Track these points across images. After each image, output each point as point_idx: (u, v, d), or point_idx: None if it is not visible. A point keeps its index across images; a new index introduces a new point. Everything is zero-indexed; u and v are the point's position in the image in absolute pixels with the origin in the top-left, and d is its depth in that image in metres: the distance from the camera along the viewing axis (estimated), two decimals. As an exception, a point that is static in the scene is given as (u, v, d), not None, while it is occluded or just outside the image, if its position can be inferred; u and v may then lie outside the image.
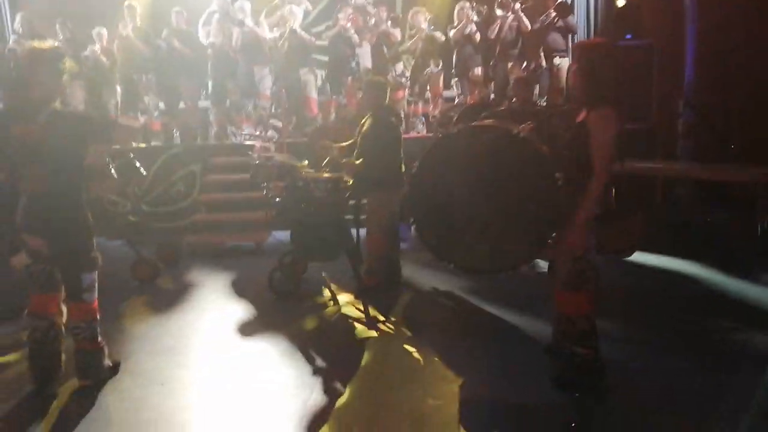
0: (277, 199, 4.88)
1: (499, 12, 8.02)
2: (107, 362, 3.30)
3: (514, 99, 5.99)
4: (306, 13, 8.68)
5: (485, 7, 8.13)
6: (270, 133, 7.80)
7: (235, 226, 6.75)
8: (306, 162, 5.22)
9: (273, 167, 4.87)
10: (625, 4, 7.23)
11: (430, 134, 7.54)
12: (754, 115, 6.51)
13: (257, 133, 7.50)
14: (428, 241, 3.04)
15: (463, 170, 2.78)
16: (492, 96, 8.05)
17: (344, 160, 4.70)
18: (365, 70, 8.69)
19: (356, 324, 4.25)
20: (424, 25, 8.15)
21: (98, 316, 3.21)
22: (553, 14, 7.57)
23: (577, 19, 7.85)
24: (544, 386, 3.09)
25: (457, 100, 8.27)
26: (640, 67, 6.94)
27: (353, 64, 8.48)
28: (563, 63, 7.72)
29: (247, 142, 7.47)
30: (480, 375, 3.33)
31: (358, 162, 4.62)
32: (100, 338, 3.23)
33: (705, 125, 6.69)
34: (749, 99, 6.58)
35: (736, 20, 7.47)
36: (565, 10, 7.54)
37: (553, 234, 2.78)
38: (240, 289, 5.10)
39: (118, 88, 8.09)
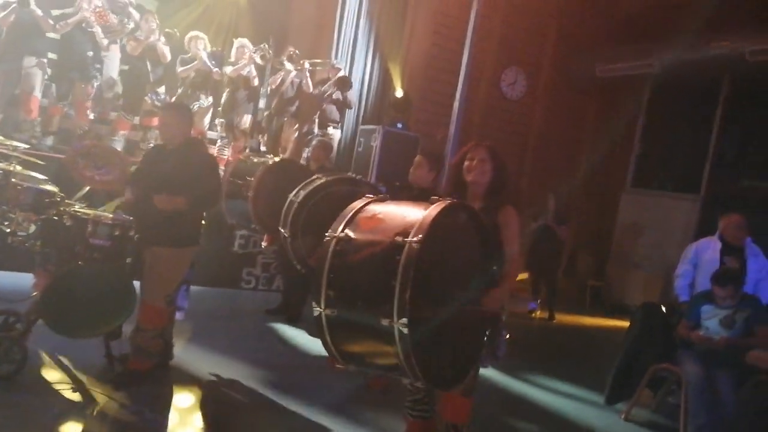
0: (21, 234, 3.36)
1: (288, 65, 7.68)
2: None
3: (310, 161, 5.64)
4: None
5: (272, 53, 7.65)
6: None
7: None
8: (57, 190, 3.80)
9: (24, 191, 3.35)
10: (402, 96, 7.69)
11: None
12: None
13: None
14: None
15: (448, 256, 2.29)
16: (263, 148, 7.49)
17: (161, 197, 3.48)
18: (109, 81, 7.20)
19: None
20: (202, 54, 7.21)
21: None
22: (333, 88, 7.56)
23: (353, 93, 8.00)
24: None
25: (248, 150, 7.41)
26: (407, 157, 7.37)
27: (93, 70, 6.91)
28: (335, 134, 7.73)
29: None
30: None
31: (180, 199, 3.46)
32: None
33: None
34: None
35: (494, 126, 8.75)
36: (345, 84, 7.61)
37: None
38: None
39: None
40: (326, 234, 2.23)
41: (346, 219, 2.28)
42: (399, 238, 2.07)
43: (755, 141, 8.95)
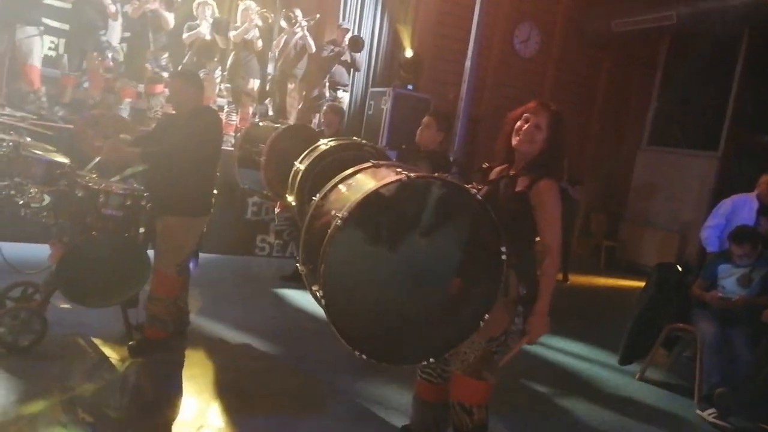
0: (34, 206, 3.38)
1: (283, 24, 7.52)
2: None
3: (323, 127, 5.58)
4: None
5: (273, 15, 7.50)
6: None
7: None
8: (68, 161, 3.80)
9: (35, 163, 3.36)
10: (413, 57, 7.53)
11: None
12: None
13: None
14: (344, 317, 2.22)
15: (402, 227, 2.24)
16: (270, 113, 7.43)
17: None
18: (114, 49, 7.14)
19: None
20: (205, 22, 7.07)
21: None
22: (345, 49, 7.41)
23: (361, 55, 7.86)
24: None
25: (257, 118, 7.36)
26: (419, 120, 7.26)
27: (103, 38, 6.85)
28: (345, 97, 7.63)
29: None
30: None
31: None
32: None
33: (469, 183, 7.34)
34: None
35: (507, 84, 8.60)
36: (357, 45, 7.46)
37: (486, 316, 2.43)
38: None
39: None
40: (313, 197, 2.38)
41: (331, 185, 2.36)
42: (335, 211, 2.13)
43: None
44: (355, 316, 2.20)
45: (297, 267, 5.95)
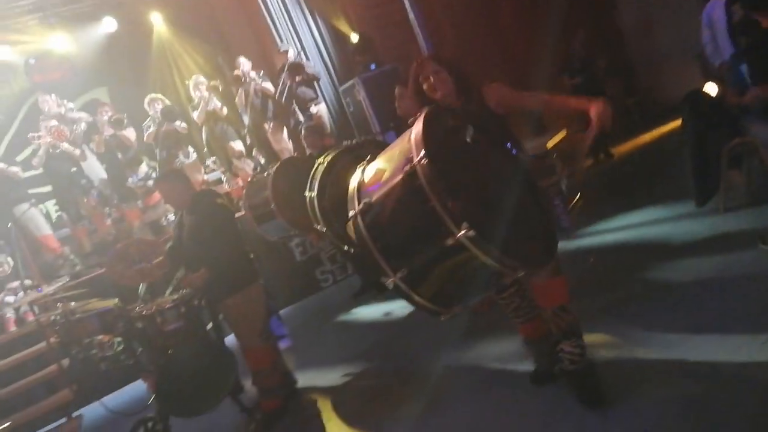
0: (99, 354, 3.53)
1: (239, 90, 7.60)
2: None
3: (307, 149, 5.57)
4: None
5: (220, 84, 7.64)
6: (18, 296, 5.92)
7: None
8: (116, 300, 3.95)
9: (89, 320, 3.51)
10: (359, 40, 7.45)
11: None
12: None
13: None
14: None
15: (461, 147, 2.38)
16: (262, 161, 7.50)
17: (185, 278, 3.64)
18: (102, 183, 7.39)
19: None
20: (157, 116, 7.21)
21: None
22: (289, 78, 7.37)
23: (314, 64, 7.82)
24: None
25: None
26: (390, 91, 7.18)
27: (83, 182, 7.08)
28: (321, 109, 7.62)
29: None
30: None
31: (202, 271, 3.60)
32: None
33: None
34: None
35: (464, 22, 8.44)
36: (298, 68, 7.40)
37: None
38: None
39: None
40: (348, 216, 2.22)
41: (356, 194, 2.28)
42: (407, 167, 2.08)
43: None
44: (500, 236, 2.07)
45: (363, 282, 6.00)
